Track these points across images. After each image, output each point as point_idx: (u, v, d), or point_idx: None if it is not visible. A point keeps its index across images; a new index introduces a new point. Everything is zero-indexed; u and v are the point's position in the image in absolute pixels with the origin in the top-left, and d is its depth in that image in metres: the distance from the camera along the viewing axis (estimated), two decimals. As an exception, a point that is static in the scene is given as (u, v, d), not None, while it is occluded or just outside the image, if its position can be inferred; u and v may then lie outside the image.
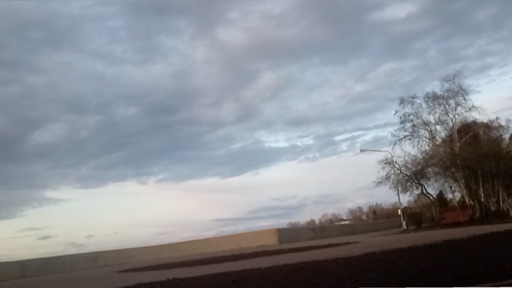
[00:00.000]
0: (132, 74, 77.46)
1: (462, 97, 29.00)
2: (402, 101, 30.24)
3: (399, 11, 78.05)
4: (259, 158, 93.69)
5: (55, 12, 69.62)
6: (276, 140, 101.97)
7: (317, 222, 79.91)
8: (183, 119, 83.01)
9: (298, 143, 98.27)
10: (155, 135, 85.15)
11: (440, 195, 33.90)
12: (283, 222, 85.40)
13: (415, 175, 30.35)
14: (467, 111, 29.24)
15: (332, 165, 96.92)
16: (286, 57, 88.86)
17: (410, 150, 31.57)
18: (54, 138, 71.92)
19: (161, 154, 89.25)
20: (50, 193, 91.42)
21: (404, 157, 30.98)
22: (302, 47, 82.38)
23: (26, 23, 66.36)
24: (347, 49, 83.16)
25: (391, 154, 30.96)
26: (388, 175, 31.00)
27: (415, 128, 30.83)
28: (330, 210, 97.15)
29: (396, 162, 30.98)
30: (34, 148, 70.10)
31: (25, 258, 24.20)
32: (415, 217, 31.79)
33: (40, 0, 67.03)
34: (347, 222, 65.33)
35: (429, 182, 31.10)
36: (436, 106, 29.92)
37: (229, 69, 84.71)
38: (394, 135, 31.23)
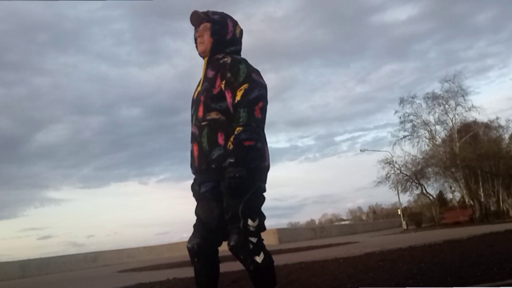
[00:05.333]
0: (136, 75, 77.66)
1: (462, 97, 29.06)
2: (402, 101, 30.30)
3: (400, 14, 78.14)
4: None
5: (61, 15, 70.04)
6: (277, 140, 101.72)
7: (317, 222, 79.95)
8: (186, 120, 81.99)
9: (299, 144, 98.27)
10: (158, 136, 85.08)
11: (440, 195, 33.91)
12: (283, 222, 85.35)
13: (415, 175, 30.37)
14: (467, 111, 29.29)
15: (332, 165, 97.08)
16: (288, 59, 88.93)
17: (410, 150, 31.63)
18: (57, 139, 71.95)
19: (162, 155, 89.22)
20: (51, 193, 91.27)
21: (404, 157, 31.03)
22: (304, 49, 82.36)
23: (32, 26, 66.72)
24: (348, 51, 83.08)
25: (391, 154, 31.01)
26: (388, 175, 31.06)
27: (415, 128, 30.89)
28: (330, 210, 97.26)
29: (396, 162, 31.05)
30: (37, 149, 70.05)
31: (26, 258, 24.28)
32: (415, 217, 31.79)
33: (46, 4, 67.28)
34: (347, 222, 65.29)
35: (429, 182, 31.16)
36: (436, 106, 29.98)
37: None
38: (394, 135, 31.30)
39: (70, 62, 73.67)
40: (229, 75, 1.95)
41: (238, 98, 1.89)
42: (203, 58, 2.12)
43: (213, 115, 1.95)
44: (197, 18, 2.09)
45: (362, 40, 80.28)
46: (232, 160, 1.82)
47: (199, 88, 2.09)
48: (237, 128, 1.84)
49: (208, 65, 2.07)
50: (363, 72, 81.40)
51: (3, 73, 67.04)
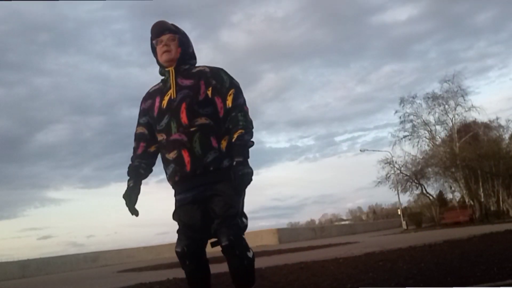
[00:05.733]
0: (137, 76, 77.79)
1: (462, 98, 29.06)
2: (402, 101, 30.31)
3: (400, 14, 78.38)
4: (260, 158, 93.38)
5: (62, 16, 70.47)
6: (277, 140, 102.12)
7: (317, 222, 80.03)
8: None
9: (299, 144, 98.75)
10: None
11: (440, 195, 33.94)
12: (283, 222, 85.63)
13: (415, 175, 30.39)
14: (466, 111, 29.29)
15: (332, 165, 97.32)
16: (288, 59, 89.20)
17: (410, 150, 31.66)
18: (57, 139, 71.97)
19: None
20: (52, 193, 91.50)
21: (404, 157, 31.06)
22: (304, 49, 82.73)
23: (33, 26, 67.03)
24: (348, 51, 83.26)
25: (391, 154, 31.03)
26: (388, 175, 31.09)
27: (415, 128, 30.89)
28: (330, 210, 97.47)
29: (396, 162, 31.06)
30: (37, 149, 70.04)
31: (26, 258, 24.27)
32: (415, 217, 31.79)
33: (47, 4, 67.56)
34: (347, 222, 65.27)
35: (429, 182, 31.20)
36: (436, 106, 30.00)
37: (232, 71, 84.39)
38: (394, 135, 31.30)
39: (70, 62, 73.93)
40: (214, 82, 2.05)
41: (229, 102, 2.01)
42: (165, 67, 2.14)
43: (203, 121, 2.01)
44: (162, 28, 2.13)
45: (362, 40, 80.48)
46: (240, 159, 1.91)
47: (169, 97, 2.08)
48: (239, 130, 1.95)
49: (177, 74, 2.10)
50: (363, 72, 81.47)
51: (4, 73, 67.25)
